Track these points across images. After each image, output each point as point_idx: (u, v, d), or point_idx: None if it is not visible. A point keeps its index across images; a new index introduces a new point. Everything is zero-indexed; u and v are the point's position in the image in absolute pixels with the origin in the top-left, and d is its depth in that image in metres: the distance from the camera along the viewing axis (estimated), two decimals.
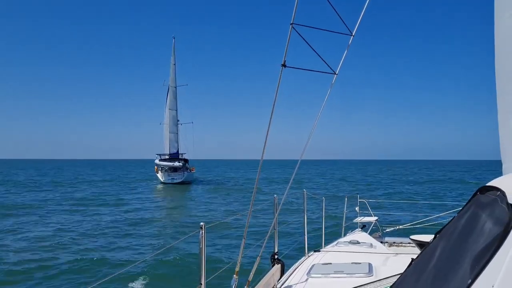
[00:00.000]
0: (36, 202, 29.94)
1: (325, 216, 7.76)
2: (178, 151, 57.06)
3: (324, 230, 7.35)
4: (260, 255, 4.31)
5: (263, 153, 3.82)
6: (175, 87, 57.56)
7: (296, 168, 4.11)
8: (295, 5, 3.60)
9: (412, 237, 6.85)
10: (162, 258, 12.44)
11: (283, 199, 4.47)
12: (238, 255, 4.01)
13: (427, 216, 9.13)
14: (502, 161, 2.41)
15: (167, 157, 55.31)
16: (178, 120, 58.21)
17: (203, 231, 3.45)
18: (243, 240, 3.97)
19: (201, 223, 3.46)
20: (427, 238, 5.80)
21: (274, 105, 3.71)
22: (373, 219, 9.36)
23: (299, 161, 4.18)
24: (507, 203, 1.62)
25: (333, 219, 17.90)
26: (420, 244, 6.20)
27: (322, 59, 3.75)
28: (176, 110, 58.06)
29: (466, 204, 2.18)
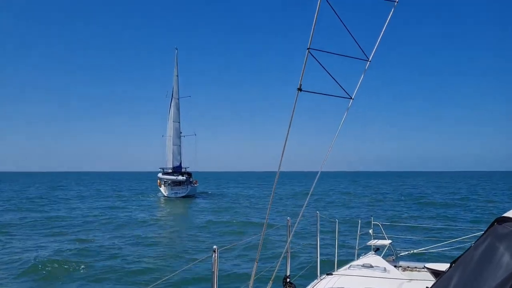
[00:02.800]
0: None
1: (338, 239, 7.66)
2: (181, 163, 56.57)
3: (337, 253, 7.24)
4: (272, 279, 4.25)
5: (277, 175, 3.81)
6: (178, 99, 57.29)
7: (312, 189, 4.08)
8: (312, 30, 3.65)
9: (427, 265, 6.69)
10: (173, 283, 12.01)
11: (296, 222, 4.41)
12: (250, 278, 3.97)
13: (442, 241, 8.95)
14: None
15: (170, 170, 54.83)
16: (181, 132, 57.83)
17: (216, 254, 3.41)
18: (255, 263, 3.93)
19: (214, 247, 3.43)
20: (443, 267, 5.67)
21: (289, 128, 3.73)
22: (387, 242, 9.17)
23: (314, 183, 4.16)
24: None
25: (346, 240, 17.59)
26: (435, 273, 6.06)
27: (338, 83, 3.77)
28: (179, 122, 57.70)
29: (483, 234, 2.15)
